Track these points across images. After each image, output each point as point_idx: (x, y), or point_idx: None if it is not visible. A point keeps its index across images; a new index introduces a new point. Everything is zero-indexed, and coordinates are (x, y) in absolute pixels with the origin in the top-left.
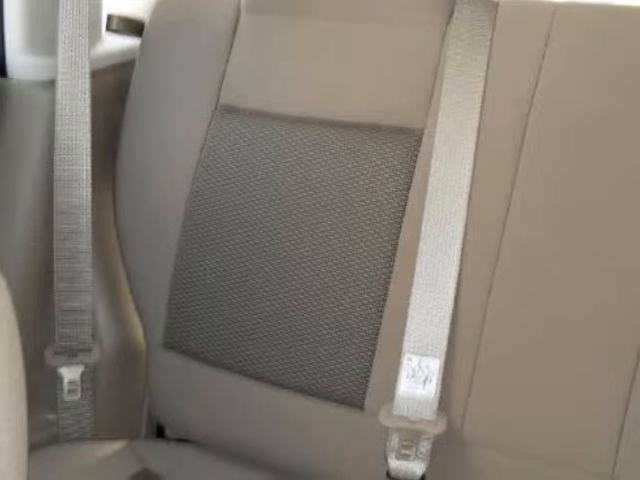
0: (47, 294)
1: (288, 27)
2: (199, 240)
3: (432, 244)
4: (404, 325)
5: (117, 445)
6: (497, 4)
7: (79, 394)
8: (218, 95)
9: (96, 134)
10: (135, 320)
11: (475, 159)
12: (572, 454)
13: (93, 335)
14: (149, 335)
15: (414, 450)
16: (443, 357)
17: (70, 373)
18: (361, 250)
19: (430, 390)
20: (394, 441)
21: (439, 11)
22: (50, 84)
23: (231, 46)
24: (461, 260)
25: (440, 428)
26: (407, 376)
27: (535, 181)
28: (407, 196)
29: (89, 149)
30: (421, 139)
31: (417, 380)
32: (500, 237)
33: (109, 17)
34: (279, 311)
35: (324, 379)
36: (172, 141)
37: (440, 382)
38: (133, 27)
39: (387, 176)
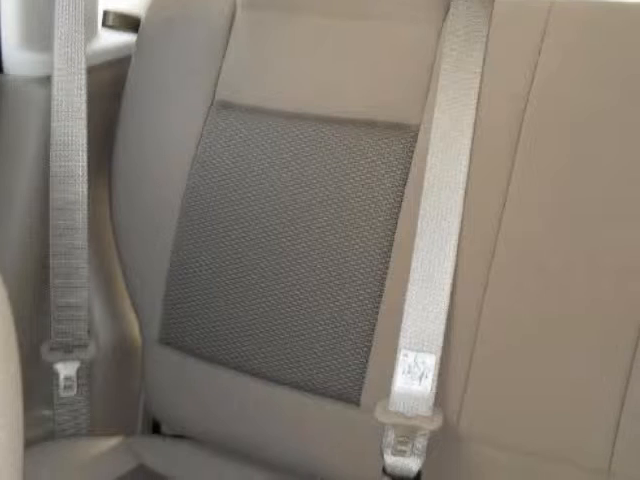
0: (43, 290)
1: (284, 23)
2: (195, 236)
3: (428, 240)
4: (400, 321)
5: (113, 441)
6: (493, 0)
7: (75, 390)
8: (214, 91)
9: (92, 130)
10: (131, 316)
11: (471, 155)
12: (568, 450)
13: (89, 331)
14: (145, 331)
15: (410, 446)
16: (439, 353)
17: (66, 369)
18: (357, 246)
19: (426, 386)
20: (390, 437)
21: (435, 7)
22: (46, 80)
23: (227, 42)
24: (457, 256)
25: (436, 424)
26: (403, 372)
27: (531, 177)
28: (403, 192)
29: (85, 145)
30: (417, 135)
31: (413, 376)
32: (496, 233)
33: (105, 13)
34: (275, 307)
35: (320, 375)
36: (168, 137)
37: (436, 378)
38: (129, 23)
39: (383, 172)
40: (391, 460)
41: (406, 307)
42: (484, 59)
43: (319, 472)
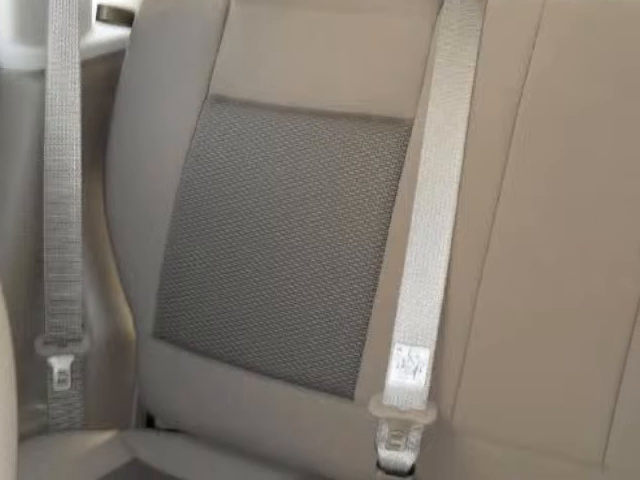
0: (37, 284)
1: (278, 17)
2: (189, 230)
3: (422, 234)
4: (394, 315)
5: (107, 435)
6: None
7: (69, 384)
8: (208, 85)
9: (86, 124)
10: (125, 310)
11: (465, 149)
12: (562, 444)
13: (83, 325)
14: (139, 325)
15: (404, 440)
16: (433, 347)
17: (60, 363)
18: (351, 240)
19: (420, 380)
20: (384, 431)
21: (429, 1)
22: (40, 74)
23: (221, 36)
24: (451, 250)
25: (430, 418)
26: (397, 366)
27: (525, 171)
28: (397, 186)
29: (79, 139)
30: (411, 129)
31: (407, 370)
32: (490, 227)
33: (99, 7)
34: (269, 301)
35: (314, 369)
36: (162, 131)
37: (430, 372)
38: (123, 17)
39: (377, 166)
40: (385, 454)
41: (400, 301)
42: (478, 53)
43: (313, 466)
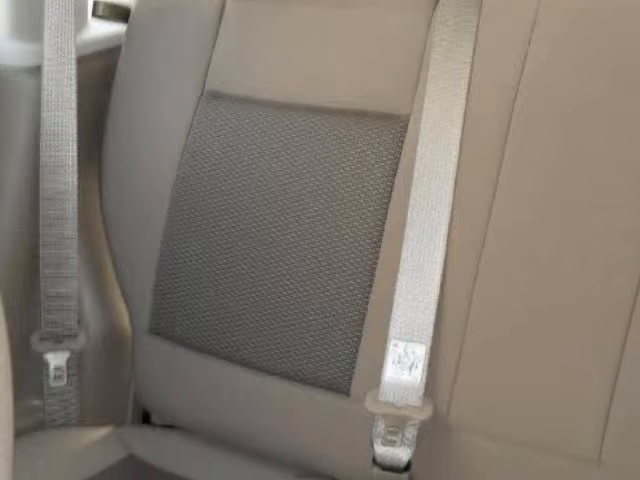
0: (33, 280)
1: (274, 13)
2: (185, 226)
3: (418, 230)
4: (390, 311)
5: (103, 431)
6: None
7: (65, 380)
8: (204, 81)
9: (82, 120)
10: (121, 306)
11: (461, 145)
12: (558, 440)
13: (79, 321)
14: (135, 321)
15: (400, 436)
16: (429, 343)
17: (56, 359)
18: (347, 236)
19: (416, 376)
20: (380, 427)
21: None
22: (36, 70)
23: (217, 32)
24: (447, 246)
25: (426, 414)
26: (393, 362)
27: (521, 167)
28: (393, 182)
29: (75, 135)
30: (407, 125)
31: (403, 366)
32: (486, 223)
33: (95, 3)
34: (265, 297)
35: (310, 365)
36: (158, 127)
37: (426, 368)
38: (119, 13)
39: (373, 162)
40: (381, 450)
41: (396, 297)
42: (474, 49)
43: (309, 462)
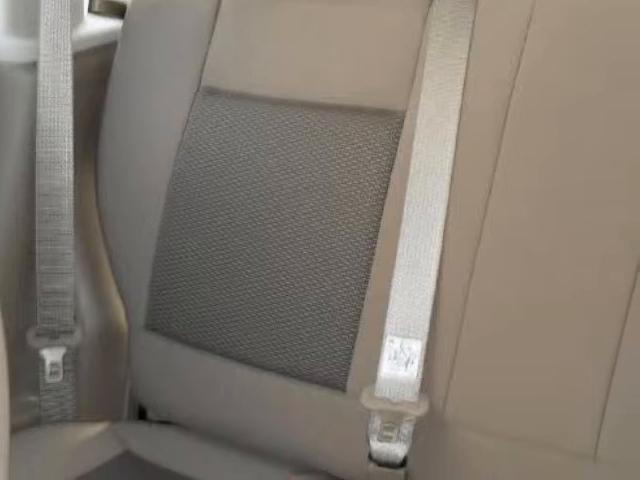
0: (29, 276)
1: (270, 9)
2: (181, 222)
3: (414, 226)
4: (386, 307)
5: (99, 427)
6: None
7: (61, 376)
8: (200, 77)
9: (78, 116)
10: (117, 302)
11: (457, 141)
12: (554, 436)
13: (75, 317)
14: (131, 317)
15: (396, 432)
16: (425, 339)
17: (52, 355)
18: (343, 232)
19: (412, 372)
20: (376, 423)
21: None
22: (32, 66)
23: (213, 28)
24: (443, 242)
25: (422, 410)
26: (389, 358)
27: (517, 163)
28: (389, 178)
29: (71, 131)
30: (403, 121)
31: (399, 362)
32: (482, 219)
33: None
34: (261, 293)
35: (306, 361)
36: (154, 123)
37: (422, 364)
38: (115, 9)
39: (369, 158)
40: (377, 446)
41: (392, 293)
42: (470, 45)
43: (305, 458)
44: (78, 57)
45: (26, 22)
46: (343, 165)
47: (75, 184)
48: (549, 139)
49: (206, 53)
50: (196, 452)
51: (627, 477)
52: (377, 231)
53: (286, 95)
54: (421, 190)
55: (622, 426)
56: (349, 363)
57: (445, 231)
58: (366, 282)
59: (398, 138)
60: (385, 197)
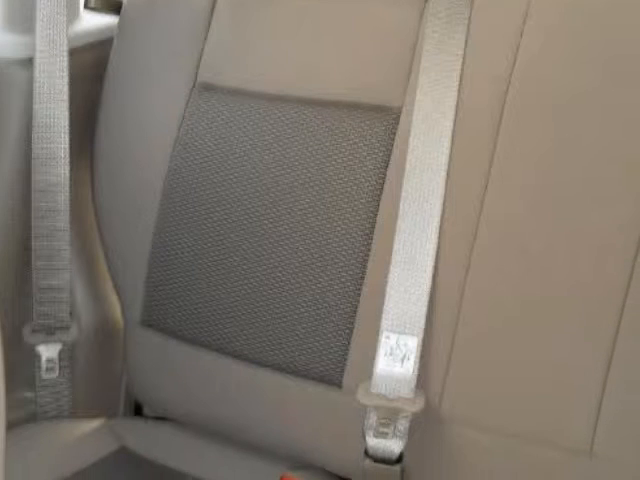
0: (25, 272)
1: (266, 5)
2: (177, 218)
3: (410, 222)
4: (382, 303)
5: (95, 423)
6: None
7: (57, 372)
8: (196, 73)
9: (74, 112)
10: (113, 298)
11: (453, 137)
12: (550, 432)
13: (71, 313)
14: (127, 313)
15: (392, 428)
16: (421, 335)
17: (48, 351)
18: (339, 228)
19: (408, 368)
20: (372, 419)
21: None
22: (28, 62)
23: (209, 24)
24: (439, 238)
25: (418, 406)
26: (385, 354)
27: (513, 159)
28: (385, 174)
29: (67, 127)
30: (399, 117)
31: (395, 358)
32: (478, 215)
33: None
34: (257, 289)
35: (302, 357)
36: (150, 119)
37: (418, 360)
38: (111, 5)
39: (365, 154)
40: (373, 442)
41: (388, 289)
42: (466, 41)
43: (301, 454)
44: (74, 53)
45: (22, 18)
46: (339, 161)
47: (71, 180)
48: (545, 135)
49: (202, 49)
50: (192, 448)
51: (623, 473)
52: (373, 227)
53: (282, 91)
54: (417, 186)
55: (618, 422)
56: (345, 359)
57: (441, 227)
58: (362, 278)
59: (394, 134)
60: (381, 193)
